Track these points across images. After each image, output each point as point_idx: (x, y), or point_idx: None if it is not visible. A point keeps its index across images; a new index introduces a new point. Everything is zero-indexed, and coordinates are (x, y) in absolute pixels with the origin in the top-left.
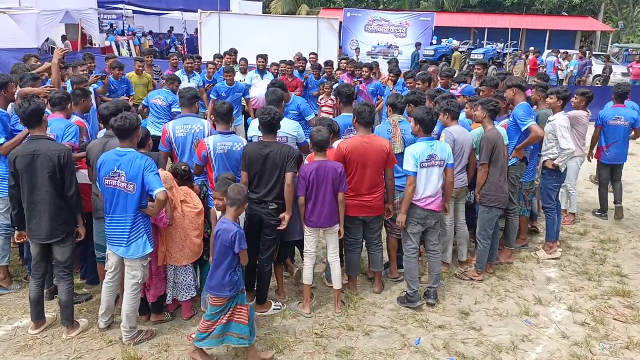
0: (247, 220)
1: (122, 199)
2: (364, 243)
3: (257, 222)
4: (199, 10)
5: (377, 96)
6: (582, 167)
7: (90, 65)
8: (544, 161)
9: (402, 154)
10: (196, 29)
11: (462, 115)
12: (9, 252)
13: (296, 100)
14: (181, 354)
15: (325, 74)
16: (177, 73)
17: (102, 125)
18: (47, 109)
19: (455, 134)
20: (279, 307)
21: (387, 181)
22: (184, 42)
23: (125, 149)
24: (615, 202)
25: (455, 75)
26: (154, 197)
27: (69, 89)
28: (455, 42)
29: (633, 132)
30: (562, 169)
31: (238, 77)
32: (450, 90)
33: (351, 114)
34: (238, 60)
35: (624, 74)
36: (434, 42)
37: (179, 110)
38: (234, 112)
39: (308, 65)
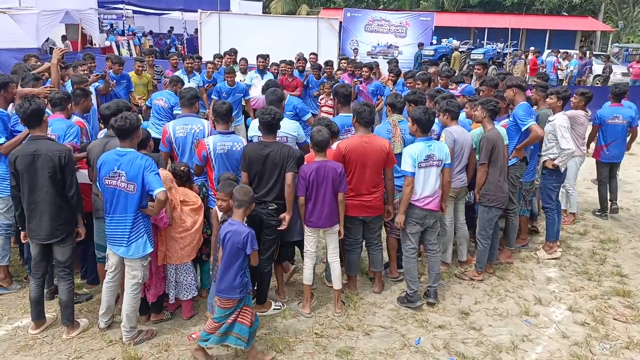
0: (248, 220)
1: (122, 199)
2: (363, 243)
3: (258, 223)
4: (199, 11)
5: (377, 96)
6: (581, 167)
7: (91, 65)
8: (544, 161)
9: (402, 154)
10: (196, 29)
11: (462, 115)
12: (9, 252)
13: (292, 100)
14: (181, 354)
15: (325, 74)
16: (177, 73)
17: (102, 126)
18: (47, 109)
19: (455, 134)
20: (279, 307)
21: (387, 181)
22: (184, 42)
23: (126, 149)
24: (610, 199)
25: (455, 75)
26: (154, 197)
27: (69, 89)
28: (455, 42)
29: (630, 135)
30: (562, 169)
31: (238, 77)
32: (450, 91)
33: (349, 114)
34: (238, 60)
35: (624, 74)
36: (434, 42)
37: (180, 112)
38: (234, 113)
39: (308, 65)
